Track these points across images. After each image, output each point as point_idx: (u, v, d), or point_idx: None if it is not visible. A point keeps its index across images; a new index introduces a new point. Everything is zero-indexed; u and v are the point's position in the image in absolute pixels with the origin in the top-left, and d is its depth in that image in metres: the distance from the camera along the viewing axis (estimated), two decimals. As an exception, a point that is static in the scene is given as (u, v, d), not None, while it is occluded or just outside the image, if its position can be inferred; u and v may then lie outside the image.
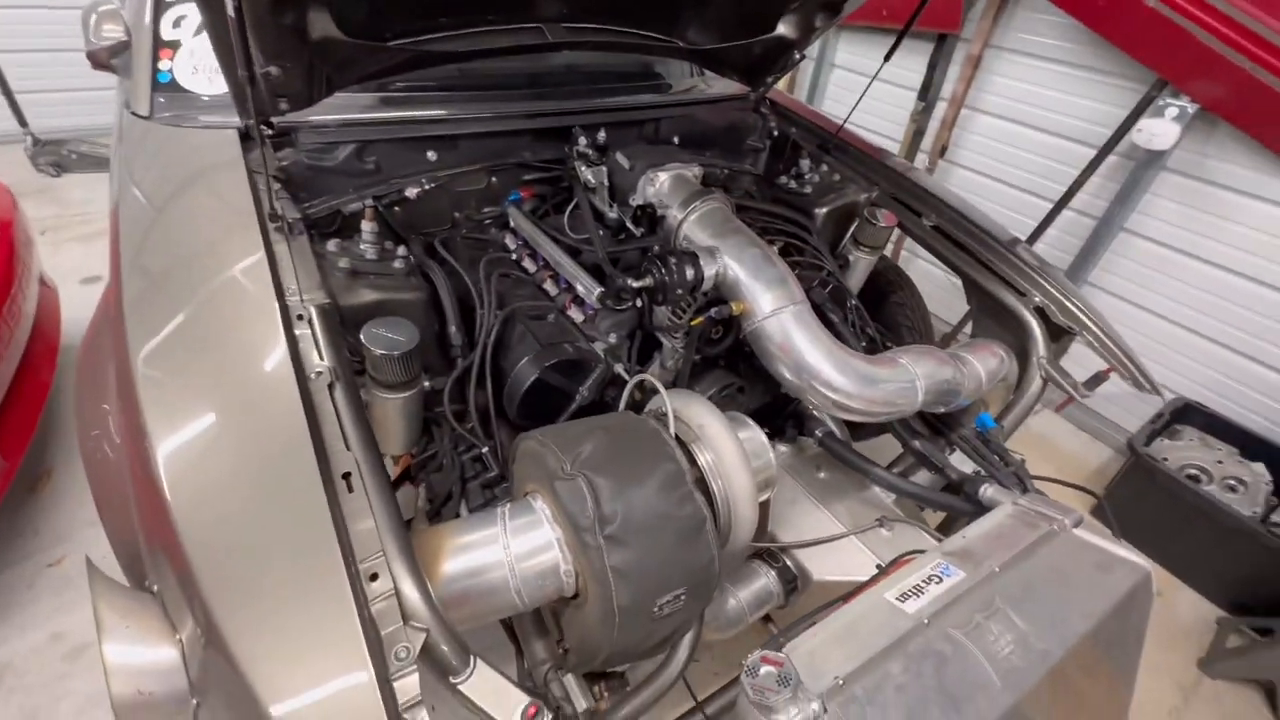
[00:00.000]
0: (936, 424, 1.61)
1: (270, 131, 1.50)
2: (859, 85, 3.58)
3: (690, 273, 1.17)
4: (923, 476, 1.52)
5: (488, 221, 1.75)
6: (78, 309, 2.19)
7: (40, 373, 2.20)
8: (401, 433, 1.22)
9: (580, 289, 1.34)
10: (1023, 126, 3.09)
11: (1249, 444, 2.54)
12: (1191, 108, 2.47)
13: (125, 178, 1.38)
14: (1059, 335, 1.57)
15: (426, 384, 1.23)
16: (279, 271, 1.12)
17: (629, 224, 1.38)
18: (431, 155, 1.62)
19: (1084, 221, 2.96)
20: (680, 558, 0.93)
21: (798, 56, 1.82)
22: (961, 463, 1.45)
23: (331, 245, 1.32)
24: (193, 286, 1.10)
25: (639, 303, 1.29)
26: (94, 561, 0.90)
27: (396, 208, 1.58)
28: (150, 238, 1.22)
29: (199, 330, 1.05)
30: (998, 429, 1.53)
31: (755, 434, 1.13)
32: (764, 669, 0.88)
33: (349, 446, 0.90)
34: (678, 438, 1.04)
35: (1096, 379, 1.47)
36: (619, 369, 1.29)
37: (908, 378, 1.23)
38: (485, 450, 1.24)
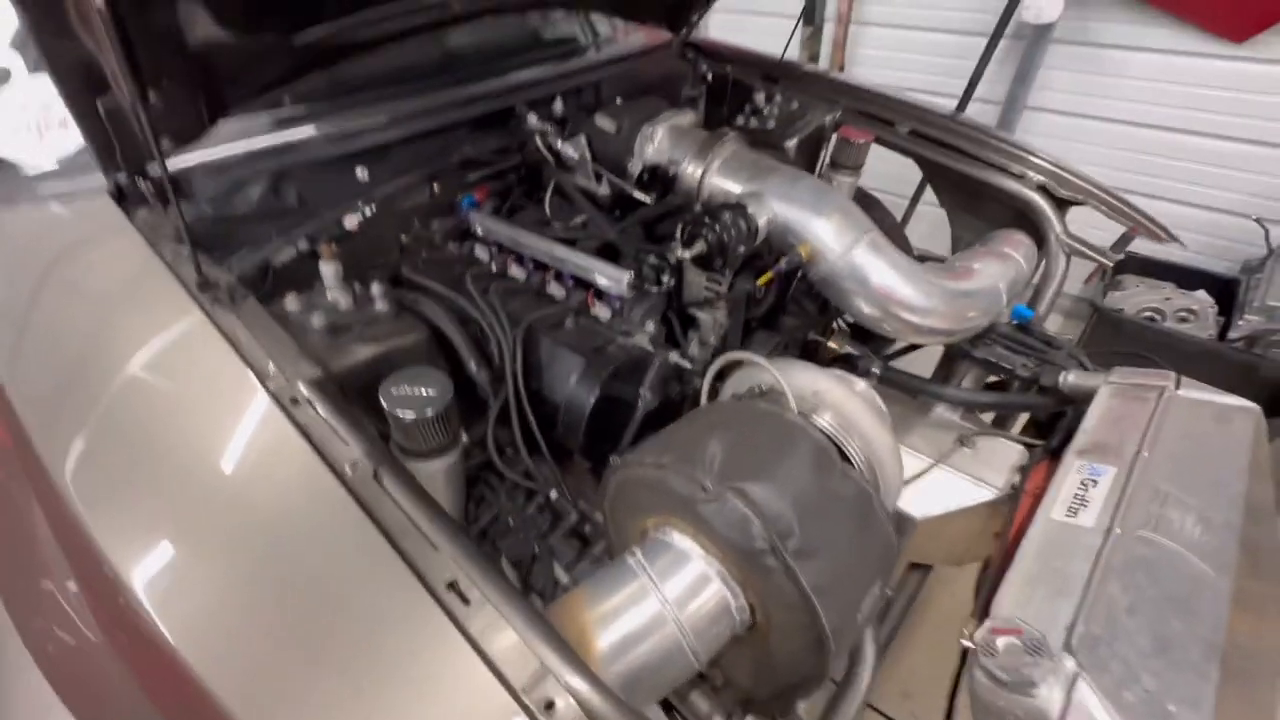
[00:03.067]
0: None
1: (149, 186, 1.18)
2: (740, 23, 3.51)
3: (744, 225, 1.01)
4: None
5: (438, 238, 1.50)
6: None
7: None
8: (450, 503, 0.99)
9: (602, 280, 1.13)
10: (913, 30, 3.13)
11: (1184, 277, 2.73)
12: (1070, -25, 2.57)
13: None
14: (1064, 209, 1.55)
15: (464, 438, 1.00)
16: (242, 350, 0.85)
17: (636, 192, 1.18)
18: (362, 173, 1.34)
19: (990, 109, 3.05)
20: (865, 545, 0.79)
21: None
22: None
23: (291, 303, 1.04)
24: (133, 395, 0.83)
25: (672, 281, 1.12)
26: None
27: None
28: (40, 351, 0.91)
29: (163, 450, 0.79)
30: (1036, 316, 1.49)
31: (864, 385, 1.00)
32: (1001, 641, 0.76)
33: (435, 544, 0.67)
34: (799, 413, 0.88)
35: (1124, 240, 1.46)
36: (675, 358, 1.11)
37: (990, 283, 1.14)
38: (554, 494, 1.03)
